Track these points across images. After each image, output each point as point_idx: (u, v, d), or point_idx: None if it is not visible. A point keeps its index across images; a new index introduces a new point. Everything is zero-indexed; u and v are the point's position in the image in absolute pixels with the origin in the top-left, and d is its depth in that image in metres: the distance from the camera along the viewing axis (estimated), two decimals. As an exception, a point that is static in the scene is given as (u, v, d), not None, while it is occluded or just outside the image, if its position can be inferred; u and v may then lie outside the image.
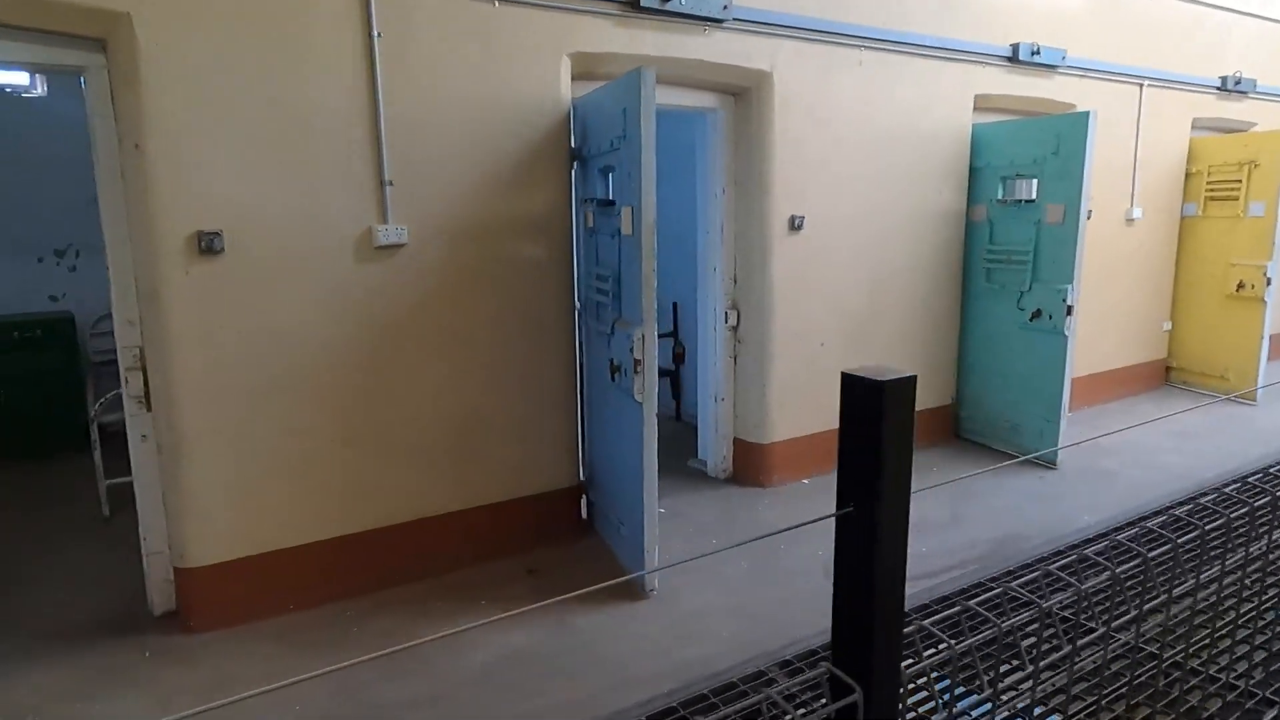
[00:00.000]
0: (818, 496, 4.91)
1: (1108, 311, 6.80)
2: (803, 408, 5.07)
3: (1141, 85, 6.56)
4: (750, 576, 3.88)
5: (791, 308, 4.93)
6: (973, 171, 5.68)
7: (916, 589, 3.56)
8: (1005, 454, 5.58)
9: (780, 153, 4.75)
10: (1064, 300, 5.07)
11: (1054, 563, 1.86)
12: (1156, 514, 4.23)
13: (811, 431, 5.11)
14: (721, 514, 4.69)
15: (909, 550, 1.22)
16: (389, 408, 3.75)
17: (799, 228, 4.84)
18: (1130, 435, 6.02)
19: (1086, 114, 4.91)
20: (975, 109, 5.64)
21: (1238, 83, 7.23)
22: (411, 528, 3.87)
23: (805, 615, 3.45)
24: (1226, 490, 2.45)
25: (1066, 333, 5.08)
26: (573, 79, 4.09)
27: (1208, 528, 1.93)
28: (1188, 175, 7.18)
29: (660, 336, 5.26)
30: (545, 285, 4.11)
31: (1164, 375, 7.46)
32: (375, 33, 3.47)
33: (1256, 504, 2.10)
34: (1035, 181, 5.27)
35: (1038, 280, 5.29)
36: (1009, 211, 5.47)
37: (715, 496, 4.93)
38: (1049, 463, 5.32)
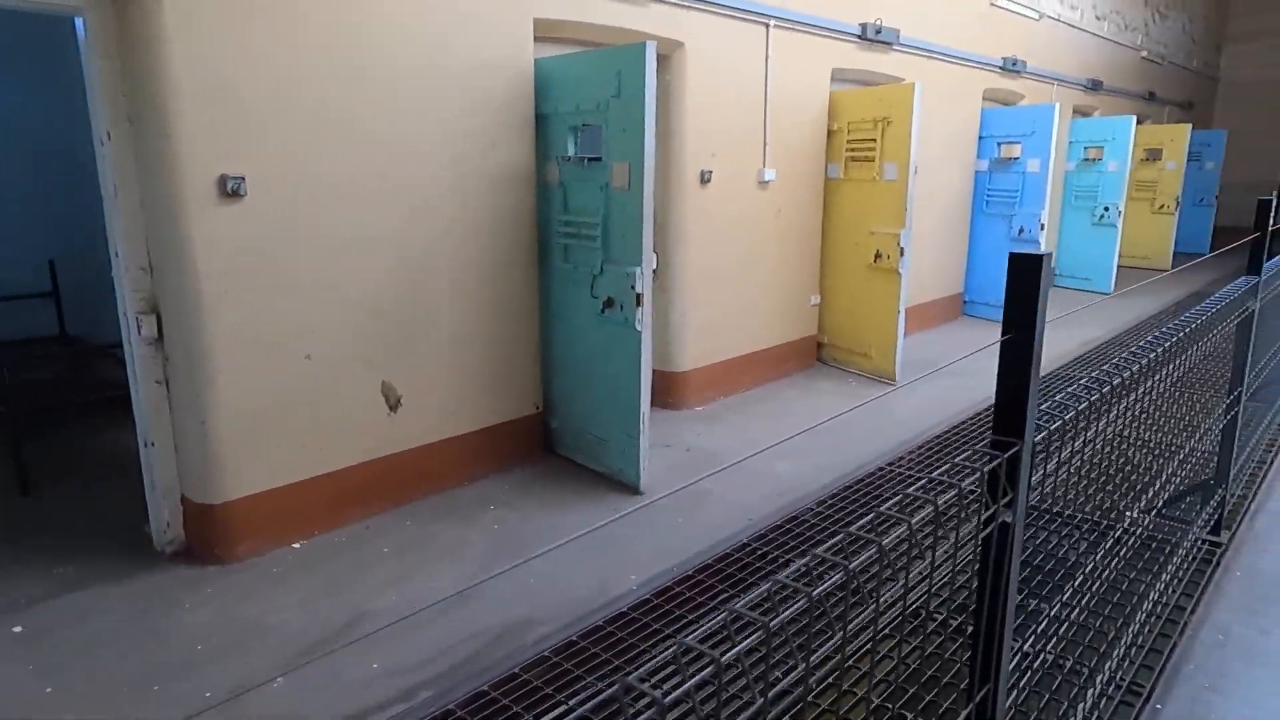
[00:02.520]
0: (297, 574, 3.51)
1: (751, 285, 5.99)
2: (287, 447, 3.63)
3: (768, 25, 5.68)
4: None
5: (246, 310, 3.43)
6: (540, 120, 4.46)
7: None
8: (599, 474, 4.52)
9: (187, 85, 3.18)
10: (632, 287, 4.00)
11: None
12: (703, 569, 3.27)
13: (301, 478, 3.70)
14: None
15: None
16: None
17: (236, 193, 3.32)
18: (749, 434, 5.21)
19: (643, 46, 3.79)
20: (536, 39, 4.39)
21: (879, 31, 6.62)
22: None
23: None
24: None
25: (639, 327, 4.02)
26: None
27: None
28: (830, 133, 6.51)
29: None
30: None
31: (815, 352, 6.87)
32: None
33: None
34: (601, 131, 4.13)
35: (609, 260, 4.18)
36: (580, 172, 4.31)
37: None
38: (632, 487, 4.30)
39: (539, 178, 4.51)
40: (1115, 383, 2.05)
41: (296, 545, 3.70)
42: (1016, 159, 8.30)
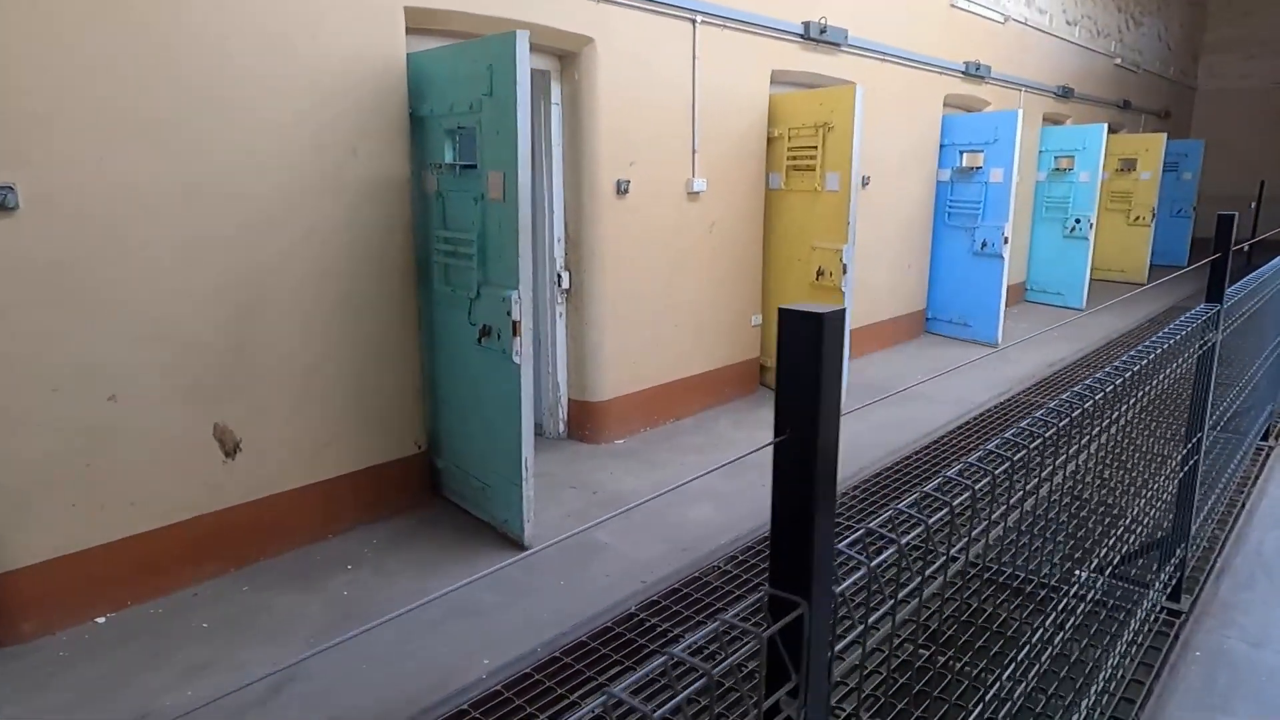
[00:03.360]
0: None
1: (679, 306, 5.47)
2: (85, 505, 3.07)
3: (694, 21, 5.18)
4: None
5: (22, 344, 2.88)
6: (416, 122, 3.94)
7: None
8: (485, 524, 3.98)
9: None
10: (508, 313, 3.47)
11: None
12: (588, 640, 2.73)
13: (106, 540, 3.14)
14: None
15: None
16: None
17: (2, 205, 2.77)
18: (670, 472, 4.68)
19: (513, 36, 3.27)
20: (412, 31, 3.87)
21: (823, 30, 6.14)
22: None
23: None
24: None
25: (516, 359, 3.49)
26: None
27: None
28: (770, 140, 6.02)
29: None
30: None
31: (758, 377, 6.35)
32: None
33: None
34: (475, 135, 3.61)
35: (485, 282, 3.65)
36: (455, 181, 3.79)
37: None
38: (516, 540, 3.75)
39: (417, 188, 3.98)
40: (1047, 434, 1.73)
41: (101, 620, 3.14)
42: (979, 169, 7.84)
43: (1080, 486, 1.99)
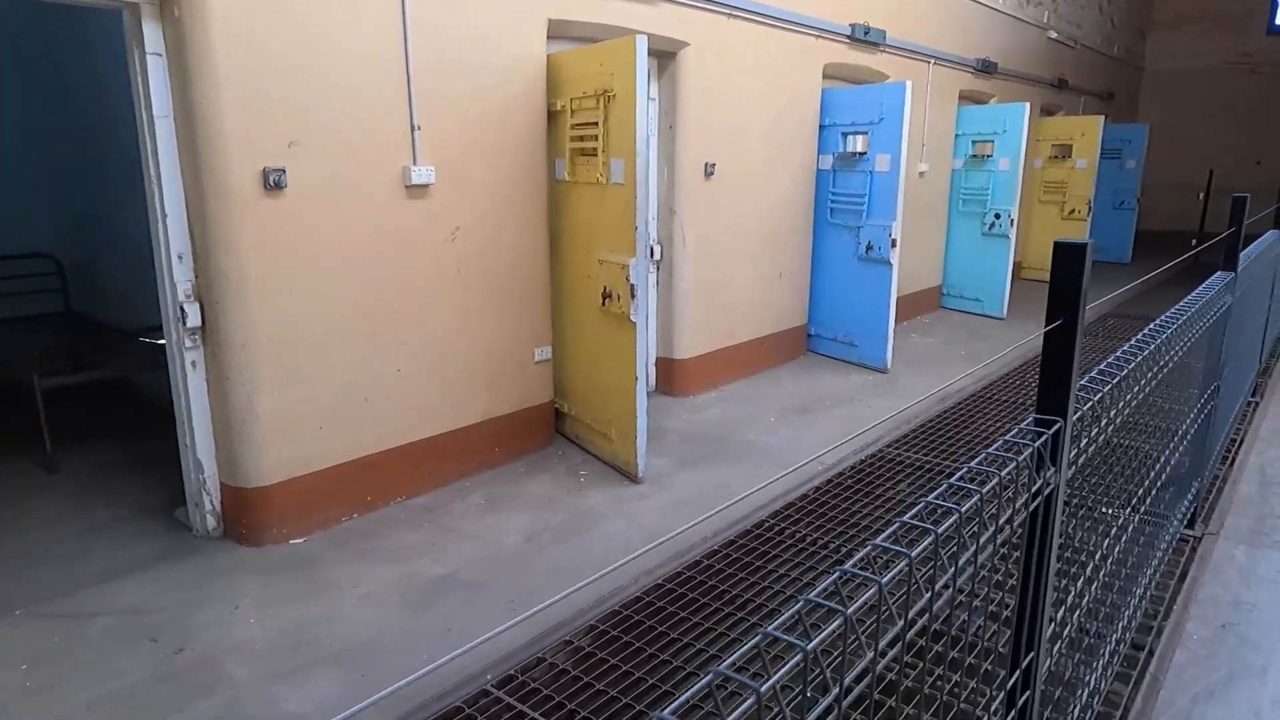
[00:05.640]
0: None
1: (405, 344, 3.97)
2: None
3: (400, -57, 3.63)
4: None
5: None
6: None
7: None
8: None
9: None
10: None
11: None
12: None
13: None
14: None
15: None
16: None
17: None
18: (321, 607, 3.17)
19: None
20: None
21: (627, -30, 4.63)
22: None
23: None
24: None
25: None
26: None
27: None
28: (551, 115, 4.50)
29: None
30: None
31: (550, 426, 4.85)
32: None
33: None
34: None
35: None
36: None
37: None
38: None
39: None
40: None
41: None
42: (863, 155, 6.39)
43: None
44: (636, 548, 3.57)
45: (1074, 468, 1.67)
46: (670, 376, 5.77)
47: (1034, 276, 11.01)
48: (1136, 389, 1.96)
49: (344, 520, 3.82)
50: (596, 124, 4.13)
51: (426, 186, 3.92)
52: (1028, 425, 1.55)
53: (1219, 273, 3.40)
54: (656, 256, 5.60)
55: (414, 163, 3.85)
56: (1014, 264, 10.58)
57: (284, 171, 3.37)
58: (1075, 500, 1.82)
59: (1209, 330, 3.13)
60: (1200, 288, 2.99)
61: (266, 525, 3.57)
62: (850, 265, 6.59)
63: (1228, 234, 3.52)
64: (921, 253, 8.48)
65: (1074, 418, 1.58)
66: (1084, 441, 1.69)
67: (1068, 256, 1.48)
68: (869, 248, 6.37)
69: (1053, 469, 1.54)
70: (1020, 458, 1.39)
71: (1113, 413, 1.81)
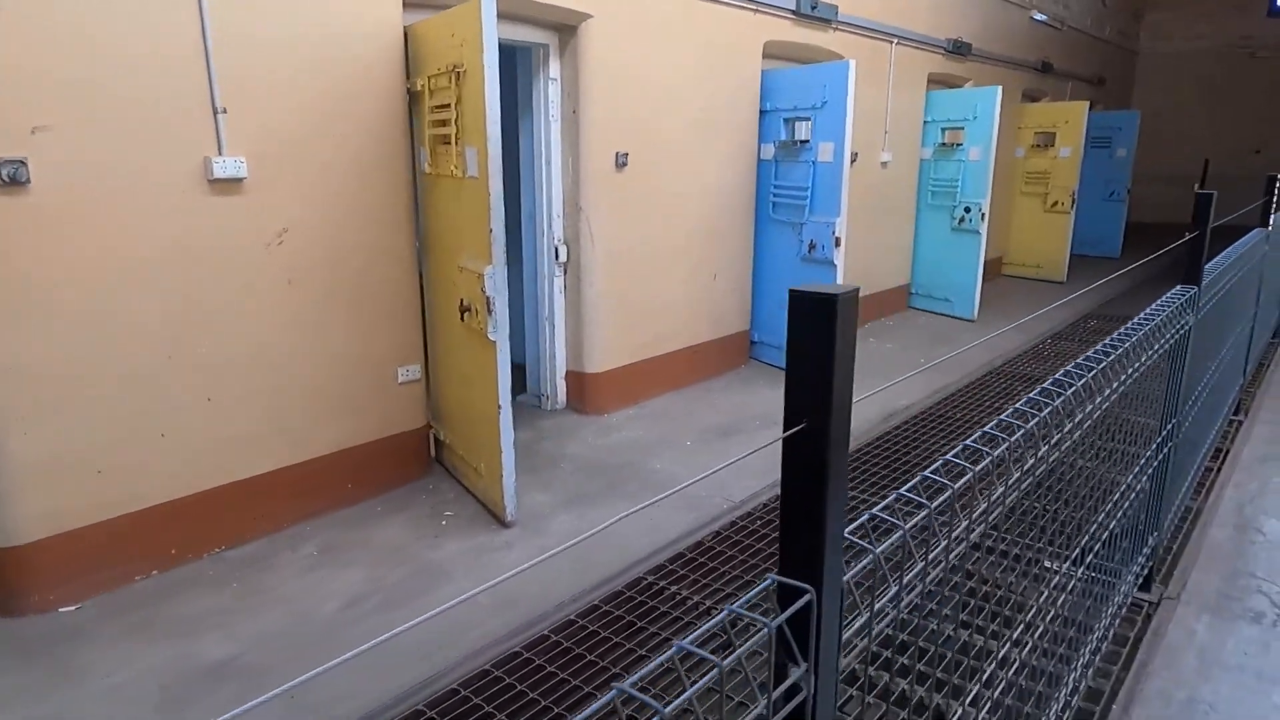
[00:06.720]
0: None
1: (212, 368, 3.34)
2: None
3: (187, -115, 2.98)
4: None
5: None
6: None
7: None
8: None
9: None
10: None
11: None
12: None
13: None
14: None
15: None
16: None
17: None
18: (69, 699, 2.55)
19: None
20: None
21: (503, -73, 3.97)
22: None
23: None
24: None
25: None
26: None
27: None
28: (411, 96, 3.86)
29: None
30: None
31: (424, 458, 4.23)
32: None
33: None
34: None
35: None
36: None
37: None
38: None
39: None
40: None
41: None
42: (806, 143, 5.73)
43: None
44: (479, 617, 2.96)
45: (855, 652, 1.03)
46: (581, 392, 5.14)
47: (1016, 272, 10.35)
48: (1003, 489, 1.31)
49: (137, 580, 3.20)
50: (449, 105, 3.49)
51: (239, 181, 3.28)
52: (769, 585, 0.93)
53: (1179, 286, 2.78)
54: (562, 259, 4.96)
55: (219, 153, 3.21)
56: (995, 259, 9.95)
57: (23, 164, 2.74)
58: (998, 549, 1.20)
59: (1163, 358, 2.51)
60: (1145, 311, 2.35)
61: (23, 591, 2.95)
62: (793, 266, 5.94)
63: (1191, 238, 2.87)
64: (886, 249, 7.82)
65: (846, 579, 0.95)
66: (876, 617, 1.05)
67: (809, 309, 0.85)
68: (811, 246, 5.72)
69: (803, 667, 0.91)
70: (744, 646, 0.79)
71: (947, 542, 1.16)
